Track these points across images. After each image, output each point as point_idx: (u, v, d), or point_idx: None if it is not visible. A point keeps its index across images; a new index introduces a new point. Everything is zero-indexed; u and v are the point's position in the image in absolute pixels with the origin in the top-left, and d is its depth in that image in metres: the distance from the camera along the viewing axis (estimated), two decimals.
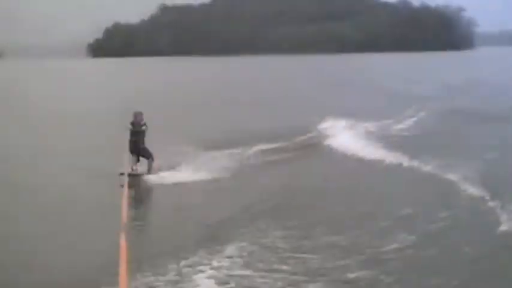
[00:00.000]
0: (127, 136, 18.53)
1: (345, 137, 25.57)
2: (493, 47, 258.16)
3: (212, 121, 33.79)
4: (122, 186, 13.15)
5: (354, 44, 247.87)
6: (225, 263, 11.09)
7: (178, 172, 18.82)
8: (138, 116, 18.53)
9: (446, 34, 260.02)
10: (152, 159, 18.39)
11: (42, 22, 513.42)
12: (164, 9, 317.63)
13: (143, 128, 18.35)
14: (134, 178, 17.43)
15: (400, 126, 29.78)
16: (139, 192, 17.57)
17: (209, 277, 10.53)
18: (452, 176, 17.63)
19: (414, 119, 32.11)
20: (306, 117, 30.90)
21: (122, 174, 16.73)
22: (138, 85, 69.97)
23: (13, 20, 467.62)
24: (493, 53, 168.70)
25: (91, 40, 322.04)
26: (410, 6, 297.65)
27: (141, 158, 18.88)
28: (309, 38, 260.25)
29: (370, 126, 28.91)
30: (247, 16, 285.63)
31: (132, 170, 18.02)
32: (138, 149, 18.29)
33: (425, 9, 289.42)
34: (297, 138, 26.56)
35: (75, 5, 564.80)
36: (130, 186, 13.76)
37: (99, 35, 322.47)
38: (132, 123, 18.41)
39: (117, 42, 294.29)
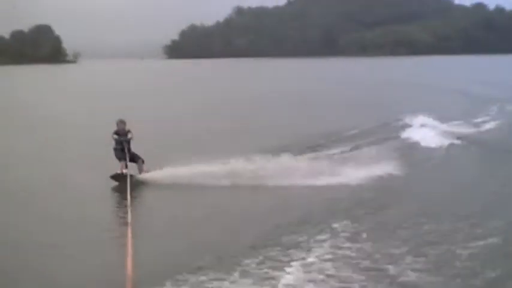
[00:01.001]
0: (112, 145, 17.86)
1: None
2: None
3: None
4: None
5: (423, 47, 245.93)
6: None
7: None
8: (120, 124, 17.89)
9: None
10: (142, 161, 17.88)
11: (117, 24, 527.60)
12: (239, 11, 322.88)
13: (129, 136, 17.81)
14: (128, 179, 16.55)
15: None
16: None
17: None
18: None
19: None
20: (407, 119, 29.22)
21: (113, 177, 17.28)
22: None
23: (90, 21, 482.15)
24: None
25: (167, 42, 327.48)
26: (484, 9, 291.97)
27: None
28: (378, 41, 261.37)
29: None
30: (319, 19, 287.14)
31: (123, 173, 17.44)
32: (125, 155, 17.54)
33: (499, 12, 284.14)
34: None
35: (150, 7, 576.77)
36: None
37: (175, 36, 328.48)
38: (117, 133, 17.78)
39: (193, 44, 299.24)
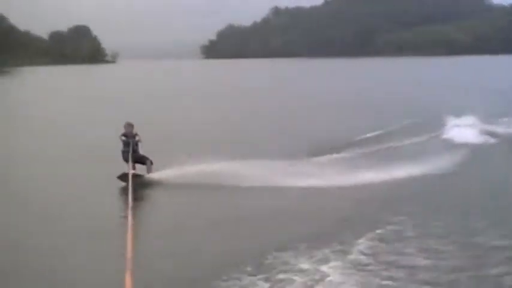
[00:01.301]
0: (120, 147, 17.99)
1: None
2: None
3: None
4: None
5: (461, 47, 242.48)
6: None
7: None
8: (128, 127, 17.94)
9: None
10: (151, 162, 17.86)
11: (155, 24, 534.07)
12: (276, 12, 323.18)
13: (137, 138, 17.84)
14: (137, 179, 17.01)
15: None
16: None
17: None
18: None
19: None
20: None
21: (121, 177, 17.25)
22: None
23: (129, 22, 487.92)
24: None
25: (205, 42, 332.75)
26: None
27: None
28: (415, 41, 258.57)
29: None
30: (356, 19, 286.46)
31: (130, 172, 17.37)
32: (133, 157, 17.56)
33: None
34: None
35: (188, 7, 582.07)
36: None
37: (213, 36, 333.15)
38: (125, 135, 17.80)
39: (230, 44, 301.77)
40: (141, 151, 18.09)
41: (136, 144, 17.76)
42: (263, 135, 27.11)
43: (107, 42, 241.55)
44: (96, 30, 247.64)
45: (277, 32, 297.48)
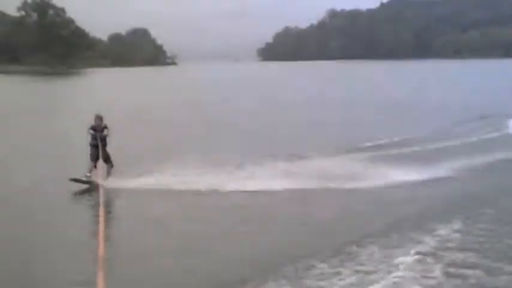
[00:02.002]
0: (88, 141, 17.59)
1: None
2: None
3: None
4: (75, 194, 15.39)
5: None
6: None
7: None
8: (98, 119, 17.46)
9: None
10: (112, 166, 17.40)
11: (213, 27, 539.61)
12: (333, 14, 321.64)
13: (105, 132, 17.28)
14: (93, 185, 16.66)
15: None
16: None
17: None
18: None
19: None
20: None
21: (75, 180, 16.88)
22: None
23: (187, 25, 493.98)
24: None
25: (261, 45, 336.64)
26: None
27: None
28: (473, 43, 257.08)
29: None
30: (412, 21, 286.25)
31: (88, 176, 17.09)
32: (98, 152, 17.10)
33: None
34: None
35: (245, 10, 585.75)
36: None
37: (269, 39, 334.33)
38: (93, 128, 17.31)
39: (287, 47, 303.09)
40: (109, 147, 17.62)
41: (104, 139, 17.29)
42: None
43: (167, 44, 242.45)
44: (153, 32, 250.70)
45: (334, 35, 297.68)
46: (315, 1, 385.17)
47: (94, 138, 17.14)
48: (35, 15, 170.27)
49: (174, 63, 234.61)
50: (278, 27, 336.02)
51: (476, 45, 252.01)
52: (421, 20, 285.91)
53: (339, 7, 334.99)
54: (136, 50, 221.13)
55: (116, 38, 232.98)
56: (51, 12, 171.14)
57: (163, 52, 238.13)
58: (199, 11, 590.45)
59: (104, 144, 17.17)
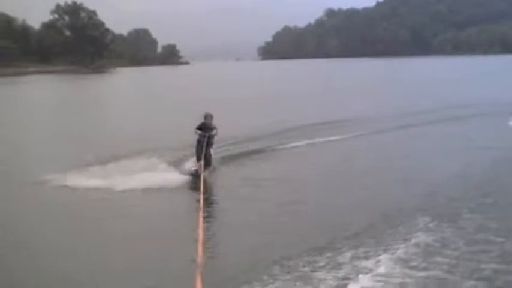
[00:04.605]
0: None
1: None
2: None
3: None
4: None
5: None
6: None
7: None
8: (209, 117, 17.04)
9: None
10: (209, 165, 16.88)
11: (212, 27, 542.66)
12: (330, 13, 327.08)
13: (214, 132, 16.91)
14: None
15: None
16: None
17: None
18: None
19: None
20: None
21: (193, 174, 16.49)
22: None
23: (187, 25, 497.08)
24: None
25: (261, 43, 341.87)
26: None
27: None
28: (471, 40, 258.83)
29: None
30: (409, 19, 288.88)
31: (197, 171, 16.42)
32: (203, 152, 16.67)
33: None
34: None
35: (242, 10, 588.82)
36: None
37: (269, 38, 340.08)
38: (201, 127, 16.97)
39: (286, 45, 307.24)
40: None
41: (211, 138, 16.91)
42: None
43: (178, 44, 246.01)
44: (154, 32, 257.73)
45: (332, 33, 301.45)
46: (311, 0, 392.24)
47: (202, 137, 16.80)
48: (66, 18, 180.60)
49: (187, 63, 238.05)
50: (275, 26, 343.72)
51: (474, 42, 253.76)
52: (417, 17, 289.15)
53: (335, 6, 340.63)
54: (148, 49, 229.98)
55: (119, 39, 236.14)
56: (83, 14, 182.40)
57: (177, 51, 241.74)
58: (195, 9, 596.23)
59: (210, 144, 16.87)
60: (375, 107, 38.14)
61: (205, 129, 16.87)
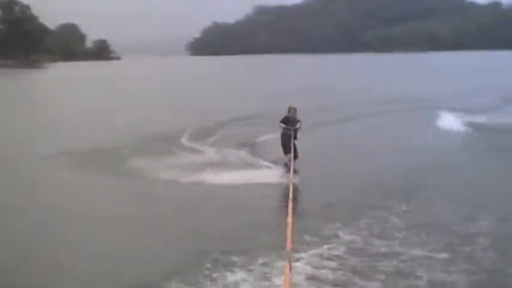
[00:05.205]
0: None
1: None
2: None
3: None
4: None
5: (444, 43, 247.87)
6: None
7: None
8: (292, 111, 17.08)
9: None
10: (296, 157, 16.47)
11: (140, 22, 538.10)
12: (259, 10, 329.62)
13: (298, 125, 16.86)
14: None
15: None
16: None
17: None
18: None
19: None
20: None
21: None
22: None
23: (112, 20, 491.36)
24: None
25: (189, 39, 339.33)
26: (500, 7, 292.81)
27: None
28: (399, 37, 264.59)
29: None
30: (338, 16, 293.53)
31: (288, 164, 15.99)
32: (289, 146, 16.64)
33: None
34: None
35: (170, 5, 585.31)
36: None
37: (197, 34, 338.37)
38: (284, 120, 17.03)
39: (216, 41, 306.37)
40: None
41: (296, 131, 16.88)
42: None
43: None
44: (87, 27, 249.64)
45: (262, 30, 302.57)
46: None
47: (287, 129, 16.81)
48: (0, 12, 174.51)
49: (118, 58, 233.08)
50: (206, 22, 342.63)
51: (402, 39, 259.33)
52: (346, 14, 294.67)
53: (264, 3, 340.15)
54: (79, 44, 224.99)
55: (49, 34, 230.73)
56: (16, 8, 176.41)
57: (107, 46, 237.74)
58: (130, 4, 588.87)
59: (295, 137, 16.85)
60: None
61: (290, 122, 16.84)
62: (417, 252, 9.96)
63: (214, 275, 9.13)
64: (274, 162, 17.70)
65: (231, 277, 9.05)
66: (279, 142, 16.99)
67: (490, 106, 33.29)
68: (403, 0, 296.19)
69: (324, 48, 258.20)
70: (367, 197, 13.78)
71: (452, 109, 30.10)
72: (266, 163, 17.93)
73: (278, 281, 8.85)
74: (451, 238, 10.62)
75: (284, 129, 16.83)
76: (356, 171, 17.21)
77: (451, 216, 12.08)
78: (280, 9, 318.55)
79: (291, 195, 9.33)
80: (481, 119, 27.95)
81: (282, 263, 8.75)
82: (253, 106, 36.08)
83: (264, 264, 9.44)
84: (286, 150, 16.60)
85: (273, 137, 19.73)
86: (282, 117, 17.04)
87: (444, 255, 9.77)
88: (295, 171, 15.05)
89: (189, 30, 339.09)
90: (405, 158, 19.00)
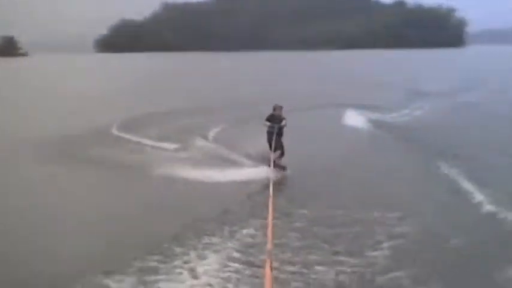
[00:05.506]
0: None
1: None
2: (483, 46, 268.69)
3: None
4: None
5: (351, 41, 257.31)
6: None
7: None
8: (278, 109, 17.06)
9: (438, 33, 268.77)
10: (282, 154, 16.82)
11: (45, 18, 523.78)
12: (166, 7, 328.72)
13: (283, 123, 16.91)
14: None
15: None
16: None
17: None
18: None
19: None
20: None
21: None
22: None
23: (15, 16, 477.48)
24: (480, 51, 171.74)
25: (96, 36, 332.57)
26: (404, 6, 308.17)
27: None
28: (310, 36, 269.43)
29: None
30: (245, 15, 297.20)
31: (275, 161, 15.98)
32: (272, 142, 16.45)
33: (419, 9, 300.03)
34: None
35: (77, 2, 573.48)
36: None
37: (104, 31, 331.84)
38: (269, 118, 16.98)
39: (123, 38, 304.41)
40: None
41: (281, 129, 17.07)
42: None
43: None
44: None
45: (169, 27, 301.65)
46: None
47: (271, 127, 16.90)
48: None
49: (25, 54, 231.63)
50: (113, 19, 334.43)
51: (309, 38, 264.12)
52: (258, 13, 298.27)
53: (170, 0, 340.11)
54: None
55: None
56: None
57: (15, 43, 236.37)
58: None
59: (280, 134, 17.02)
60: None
61: (275, 120, 16.98)
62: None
63: None
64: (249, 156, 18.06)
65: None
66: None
67: (390, 103, 34.09)
68: (315, 0, 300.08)
69: (233, 46, 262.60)
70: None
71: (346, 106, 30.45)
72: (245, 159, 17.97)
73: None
74: None
75: (269, 127, 17.07)
76: None
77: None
78: (186, 7, 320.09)
79: (271, 193, 9.29)
80: (380, 116, 28.22)
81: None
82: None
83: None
84: (271, 147, 16.80)
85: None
86: (267, 115, 17.20)
87: None
88: (283, 168, 16.52)
89: (97, 27, 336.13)
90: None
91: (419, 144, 20.44)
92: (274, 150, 16.15)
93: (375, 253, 9.95)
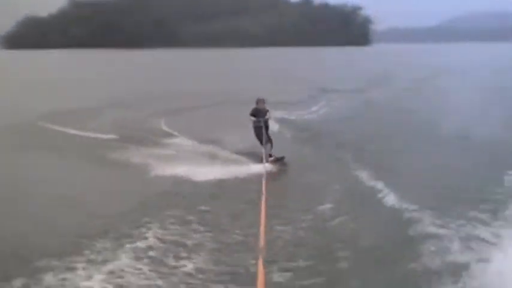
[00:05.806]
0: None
1: None
2: (388, 44, 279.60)
3: None
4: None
5: (257, 39, 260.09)
6: None
7: None
8: (261, 102, 17.20)
9: (344, 31, 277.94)
10: (271, 145, 17.08)
11: None
12: (73, 3, 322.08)
13: (267, 116, 17.15)
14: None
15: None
16: None
17: None
18: None
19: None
20: None
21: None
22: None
23: None
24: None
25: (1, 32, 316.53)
26: (311, 4, 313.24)
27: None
28: (215, 34, 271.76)
29: None
30: (154, 11, 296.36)
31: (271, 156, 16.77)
32: (262, 137, 16.81)
33: (325, 8, 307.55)
34: None
35: None
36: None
37: (9, 27, 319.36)
38: (254, 113, 17.17)
39: (30, 35, 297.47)
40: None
41: (266, 122, 17.17)
42: None
43: None
44: None
45: (77, 23, 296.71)
46: None
47: (257, 121, 16.99)
48: None
49: None
50: (19, 15, 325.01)
51: (215, 36, 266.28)
52: (163, 10, 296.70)
53: None
54: None
55: None
56: None
57: None
58: None
59: (266, 127, 17.11)
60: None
61: (259, 114, 17.13)
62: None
63: None
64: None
65: None
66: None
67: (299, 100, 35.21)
68: None
69: (140, 43, 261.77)
70: None
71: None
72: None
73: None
74: None
75: (254, 122, 17.15)
76: None
77: None
78: (95, 3, 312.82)
79: (264, 191, 9.27)
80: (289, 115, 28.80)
81: None
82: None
83: None
84: (261, 142, 17.00)
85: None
86: (251, 109, 17.32)
87: None
88: (277, 159, 17.00)
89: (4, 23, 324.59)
90: None
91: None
92: (265, 144, 16.71)
93: None
